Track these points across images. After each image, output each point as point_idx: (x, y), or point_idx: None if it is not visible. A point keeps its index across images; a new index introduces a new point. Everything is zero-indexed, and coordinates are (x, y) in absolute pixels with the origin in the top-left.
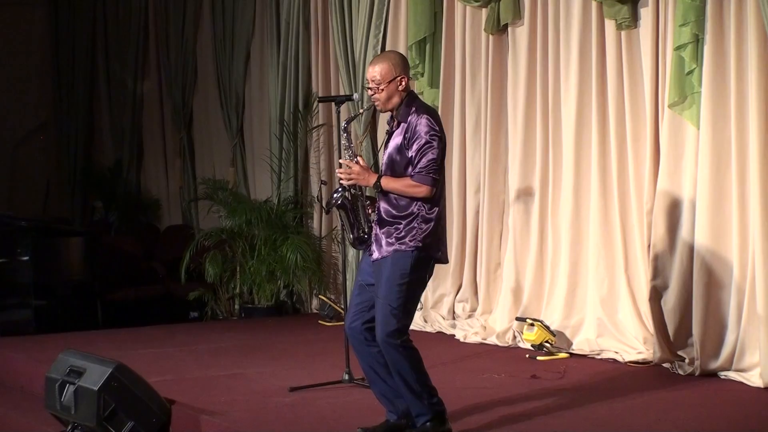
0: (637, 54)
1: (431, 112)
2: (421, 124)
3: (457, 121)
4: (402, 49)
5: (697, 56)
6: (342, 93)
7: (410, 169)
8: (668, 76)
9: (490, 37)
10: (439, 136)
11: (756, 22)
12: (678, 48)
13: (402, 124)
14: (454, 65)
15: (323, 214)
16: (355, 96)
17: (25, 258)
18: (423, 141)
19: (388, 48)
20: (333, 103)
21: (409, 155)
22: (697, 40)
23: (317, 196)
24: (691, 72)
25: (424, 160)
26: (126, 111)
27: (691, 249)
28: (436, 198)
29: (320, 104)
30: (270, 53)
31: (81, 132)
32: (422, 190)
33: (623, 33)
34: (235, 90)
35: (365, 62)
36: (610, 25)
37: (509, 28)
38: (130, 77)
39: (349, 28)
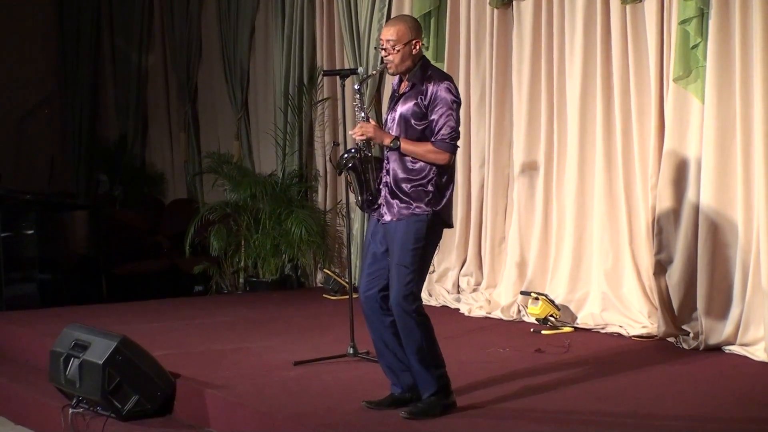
0: (642, 28)
1: (450, 79)
2: (442, 90)
3: (462, 96)
4: None
5: (702, 30)
6: (347, 66)
7: (429, 133)
8: (673, 50)
9: (495, 11)
10: (458, 103)
11: None
12: (683, 22)
13: (417, 87)
14: (459, 39)
15: (327, 188)
16: (360, 69)
17: (30, 232)
18: (445, 108)
19: None
20: (338, 77)
21: (431, 118)
22: (702, 14)
23: (328, 156)
24: (696, 46)
25: (446, 127)
26: (131, 85)
27: (695, 223)
28: (452, 164)
29: (325, 78)
30: (275, 27)
31: (86, 106)
32: (444, 158)
33: (628, 7)
34: (240, 64)
35: (370, 36)
36: None
37: (514, 3)
38: (134, 51)
39: (354, 1)
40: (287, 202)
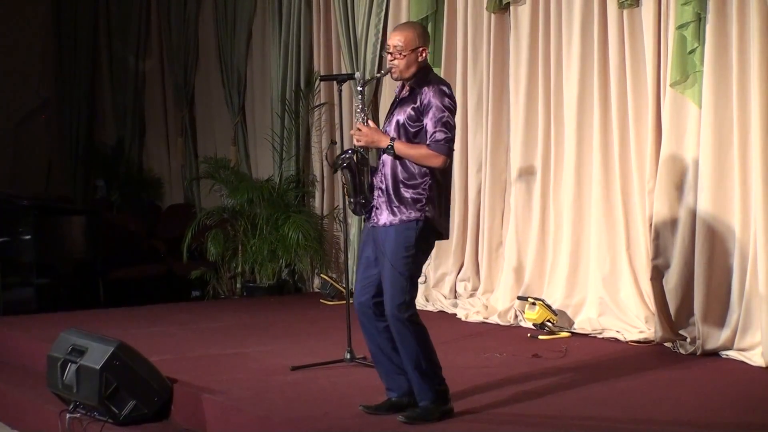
0: (639, 33)
1: (446, 84)
2: (436, 93)
3: (459, 100)
4: None
5: (699, 35)
6: (344, 72)
7: (425, 137)
8: (670, 54)
9: (492, 15)
10: (453, 107)
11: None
12: (680, 27)
13: (415, 93)
14: (456, 44)
15: (325, 193)
16: (357, 75)
17: (27, 237)
18: (439, 111)
19: (390, 27)
20: (335, 82)
21: (425, 122)
22: (699, 19)
23: (325, 155)
24: (693, 51)
25: (439, 131)
26: (128, 89)
27: (692, 228)
28: (447, 169)
29: (322, 83)
30: (272, 31)
31: (83, 110)
32: (439, 161)
33: (625, 11)
34: (237, 68)
35: (367, 41)
36: (612, 4)
37: (511, 7)
38: (132, 56)
39: (351, 6)
40: (284, 207)
